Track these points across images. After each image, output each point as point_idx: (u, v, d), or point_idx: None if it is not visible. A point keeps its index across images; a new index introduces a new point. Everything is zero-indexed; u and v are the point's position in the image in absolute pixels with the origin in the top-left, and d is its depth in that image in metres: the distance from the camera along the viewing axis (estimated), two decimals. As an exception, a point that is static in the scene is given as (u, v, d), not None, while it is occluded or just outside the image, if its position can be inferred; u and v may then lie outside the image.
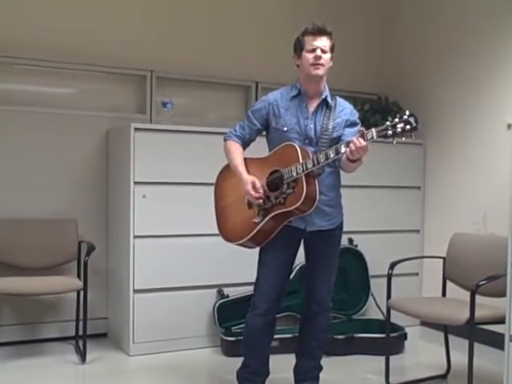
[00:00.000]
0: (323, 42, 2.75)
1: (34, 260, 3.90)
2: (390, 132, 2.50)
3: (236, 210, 2.85)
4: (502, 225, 2.96)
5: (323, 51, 2.74)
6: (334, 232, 2.91)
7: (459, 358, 3.45)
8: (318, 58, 2.73)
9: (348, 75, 5.02)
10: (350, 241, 4.46)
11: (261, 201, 2.72)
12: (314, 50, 2.73)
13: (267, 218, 2.72)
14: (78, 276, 3.89)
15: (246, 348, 2.96)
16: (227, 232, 2.89)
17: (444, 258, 3.54)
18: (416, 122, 2.49)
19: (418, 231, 4.77)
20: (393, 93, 4.87)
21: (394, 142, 2.52)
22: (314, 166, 2.62)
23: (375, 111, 4.64)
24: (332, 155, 2.60)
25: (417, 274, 4.73)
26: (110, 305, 4.20)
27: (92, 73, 4.26)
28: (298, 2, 4.88)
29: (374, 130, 2.52)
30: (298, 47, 2.80)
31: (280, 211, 2.69)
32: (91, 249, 3.76)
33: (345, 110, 2.87)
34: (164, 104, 4.12)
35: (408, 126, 2.48)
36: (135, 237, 3.80)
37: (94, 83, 4.31)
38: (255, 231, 2.74)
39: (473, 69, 4.37)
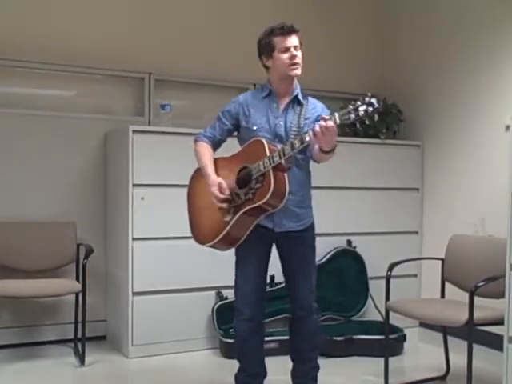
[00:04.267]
0: (294, 41, 2.74)
1: (33, 263, 3.90)
2: (352, 115, 2.45)
3: (208, 211, 2.81)
4: (501, 226, 2.96)
5: (296, 48, 2.74)
6: (305, 233, 2.86)
7: (458, 359, 3.44)
8: (294, 57, 2.72)
9: (347, 77, 5.03)
10: (349, 242, 4.46)
11: (225, 205, 2.70)
12: (287, 50, 2.72)
13: (237, 216, 2.68)
14: (77, 279, 3.88)
15: (239, 353, 2.95)
16: (199, 234, 2.86)
17: (442, 260, 3.54)
18: (378, 102, 2.45)
19: (416, 233, 4.77)
20: (391, 94, 4.86)
21: (358, 125, 2.50)
22: (280, 157, 2.58)
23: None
24: (297, 145, 2.56)
25: (415, 276, 4.73)
26: (109, 307, 4.20)
27: (90, 75, 4.27)
28: (297, 4, 4.88)
29: (336, 113, 2.47)
30: (267, 48, 2.78)
31: (250, 207, 2.65)
32: (90, 251, 3.76)
33: (316, 107, 2.85)
34: (162, 106, 4.12)
35: (370, 108, 2.44)
36: (134, 239, 3.80)
37: (93, 86, 4.31)
38: (226, 230, 2.70)
39: (471, 70, 4.38)
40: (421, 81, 4.83)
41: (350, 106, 2.46)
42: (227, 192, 2.70)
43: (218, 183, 2.72)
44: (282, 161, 2.59)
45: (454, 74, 4.53)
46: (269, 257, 2.88)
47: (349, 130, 4.75)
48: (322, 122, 2.45)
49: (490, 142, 4.22)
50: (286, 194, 2.62)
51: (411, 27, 4.95)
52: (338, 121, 2.46)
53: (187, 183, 3.84)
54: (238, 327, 2.91)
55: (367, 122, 2.50)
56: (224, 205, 2.71)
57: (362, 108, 2.43)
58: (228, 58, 4.63)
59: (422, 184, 4.78)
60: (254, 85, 4.72)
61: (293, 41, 2.74)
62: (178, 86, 4.52)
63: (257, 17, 4.76)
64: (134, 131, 3.80)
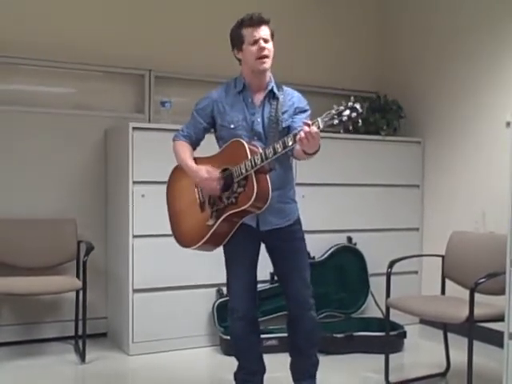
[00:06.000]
0: (264, 32, 2.66)
1: (33, 260, 3.90)
2: (336, 121, 2.40)
3: (189, 213, 2.79)
4: (501, 223, 2.96)
5: (265, 41, 2.67)
6: (292, 227, 2.81)
7: (458, 355, 3.44)
8: (262, 49, 2.65)
9: (347, 74, 5.03)
10: (349, 239, 4.46)
11: (219, 188, 2.65)
12: (256, 42, 2.66)
13: (220, 220, 2.66)
14: (77, 276, 3.88)
15: (237, 351, 2.95)
16: (182, 237, 2.84)
17: (443, 256, 3.54)
18: (362, 107, 2.40)
19: (417, 229, 4.77)
20: (392, 91, 4.87)
21: (341, 130, 2.46)
22: (262, 161, 2.54)
23: (374, 110, 4.64)
24: (280, 149, 2.51)
25: (416, 273, 4.74)
26: (110, 304, 4.20)
27: (90, 72, 4.26)
28: (298, 3, 4.88)
29: (319, 119, 2.42)
30: (238, 41, 2.71)
31: (233, 211, 2.62)
32: (90, 248, 3.76)
33: (293, 98, 2.78)
34: (162, 103, 4.11)
35: (354, 114, 2.38)
36: (134, 236, 3.80)
37: (93, 83, 4.30)
38: (209, 234, 2.68)
39: (472, 67, 4.37)
40: (421, 78, 4.82)
41: (333, 111, 2.41)
42: (218, 175, 2.65)
43: (206, 169, 2.67)
44: (265, 164, 2.55)
45: (454, 71, 4.52)
46: (258, 254, 2.85)
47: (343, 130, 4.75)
48: (306, 128, 2.39)
49: (490, 139, 4.22)
50: (269, 196, 2.58)
51: (411, 25, 4.94)
52: (321, 126, 2.40)
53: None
54: (232, 326, 2.91)
55: (350, 128, 2.45)
56: (218, 190, 2.65)
57: (346, 113, 2.38)
58: (228, 55, 4.58)
59: (422, 181, 4.78)
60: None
61: (262, 32, 2.66)
62: (178, 83, 4.50)
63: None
64: (134, 128, 3.80)
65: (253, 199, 2.54)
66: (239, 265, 2.83)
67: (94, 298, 4.02)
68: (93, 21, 4.20)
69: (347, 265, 4.41)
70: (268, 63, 2.69)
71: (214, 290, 4.02)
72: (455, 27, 4.51)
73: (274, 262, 2.89)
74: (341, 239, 4.44)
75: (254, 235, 2.78)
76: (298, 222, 2.85)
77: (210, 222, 2.68)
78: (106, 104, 4.31)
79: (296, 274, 2.83)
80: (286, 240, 2.80)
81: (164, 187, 3.84)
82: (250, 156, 2.57)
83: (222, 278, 3.96)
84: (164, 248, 3.85)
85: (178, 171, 2.88)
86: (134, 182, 3.79)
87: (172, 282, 3.90)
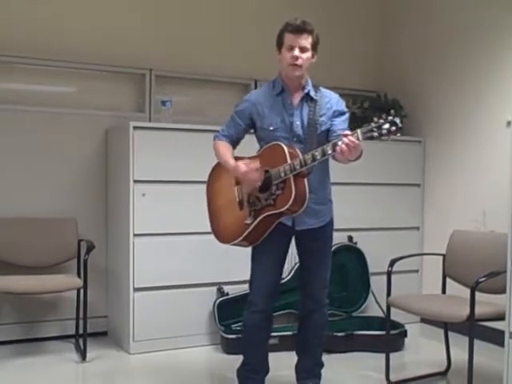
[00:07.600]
0: (303, 41, 2.69)
1: (34, 259, 3.90)
2: (375, 133, 2.45)
3: (228, 211, 2.85)
4: (502, 222, 2.96)
5: (302, 50, 2.70)
6: (325, 228, 2.88)
7: (459, 354, 3.45)
8: (294, 58, 2.69)
9: (348, 73, 5.03)
10: (350, 238, 4.46)
11: (259, 182, 2.70)
12: (291, 49, 2.70)
13: (258, 220, 2.72)
14: (78, 274, 3.89)
15: (245, 346, 2.96)
16: (220, 233, 2.89)
17: (444, 255, 3.54)
18: (401, 122, 2.46)
19: (417, 228, 4.77)
20: (392, 90, 4.87)
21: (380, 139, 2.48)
22: (301, 166, 2.60)
23: (375, 109, 4.64)
24: (319, 157, 2.57)
25: (417, 271, 4.74)
26: (110, 303, 4.21)
27: (91, 71, 4.26)
28: (297, 0, 4.87)
29: (359, 131, 2.47)
30: (279, 42, 2.76)
31: (270, 213, 2.68)
32: (91, 247, 3.76)
33: (331, 100, 2.83)
34: (163, 102, 4.11)
35: (394, 128, 2.44)
36: (135, 235, 3.80)
37: (93, 82, 4.30)
38: (247, 232, 2.74)
39: (472, 66, 4.37)
40: (422, 77, 4.82)
41: (373, 124, 2.46)
42: (256, 164, 2.68)
43: (244, 163, 2.69)
44: (304, 169, 2.61)
45: (454, 70, 4.52)
46: (287, 251, 2.90)
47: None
48: (345, 139, 2.45)
49: (491, 138, 4.21)
50: (307, 199, 2.64)
51: (413, 23, 4.93)
52: (360, 138, 2.46)
53: (188, 179, 3.89)
54: (248, 319, 2.91)
55: (389, 140, 2.49)
56: (259, 183, 2.69)
57: (385, 127, 2.44)
58: (228, 55, 4.62)
59: (423, 180, 4.77)
60: (255, 81, 4.73)
61: (300, 40, 2.69)
62: (178, 82, 4.51)
63: (257, 13, 4.76)
64: (135, 127, 3.80)
65: (291, 202, 2.61)
66: (267, 260, 2.85)
67: (94, 296, 4.02)
68: (93, 20, 4.20)
69: (348, 264, 4.41)
70: (299, 71, 2.73)
71: (214, 288, 4.01)
72: (456, 26, 4.50)
73: (301, 258, 2.95)
74: (341, 238, 4.44)
75: (287, 233, 2.83)
76: (331, 222, 2.92)
77: (248, 221, 2.74)
78: (107, 103, 4.31)
79: (319, 272, 2.91)
80: (317, 239, 2.87)
81: (165, 186, 3.87)
82: (289, 160, 2.63)
83: (222, 276, 4.00)
84: (164, 247, 3.86)
85: (218, 169, 2.92)
86: (135, 181, 3.79)
87: (172, 280, 3.90)
